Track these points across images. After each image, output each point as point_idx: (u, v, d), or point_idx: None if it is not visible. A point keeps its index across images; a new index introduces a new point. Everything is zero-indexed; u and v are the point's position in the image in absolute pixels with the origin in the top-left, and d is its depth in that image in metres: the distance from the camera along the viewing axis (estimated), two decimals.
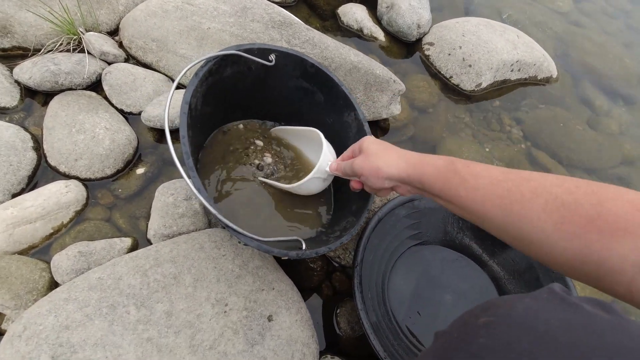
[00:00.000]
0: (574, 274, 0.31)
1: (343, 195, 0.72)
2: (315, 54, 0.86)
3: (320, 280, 0.78)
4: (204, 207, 0.66)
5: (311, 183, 0.62)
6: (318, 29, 1.24)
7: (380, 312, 0.66)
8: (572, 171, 1.21)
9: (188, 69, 0.49)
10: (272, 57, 0.65)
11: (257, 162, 0.73)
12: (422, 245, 0.78)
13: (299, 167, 0.75)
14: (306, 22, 1.25)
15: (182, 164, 0.49)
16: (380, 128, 1.07)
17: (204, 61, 0.56)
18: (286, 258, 0.69)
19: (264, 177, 0.72)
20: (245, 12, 0.90)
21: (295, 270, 0.77)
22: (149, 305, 0.56)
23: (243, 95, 0.69)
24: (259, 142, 0.75)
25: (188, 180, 0.47)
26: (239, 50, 0.59)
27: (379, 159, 0.49)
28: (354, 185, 0.58)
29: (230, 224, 0.50)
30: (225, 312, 0.60)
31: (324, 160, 0.60)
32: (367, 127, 0.69)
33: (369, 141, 0.53)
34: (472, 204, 0.38)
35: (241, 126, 0.76)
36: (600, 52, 1.63)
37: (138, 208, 0.77)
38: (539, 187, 0.33)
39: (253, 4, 0.92)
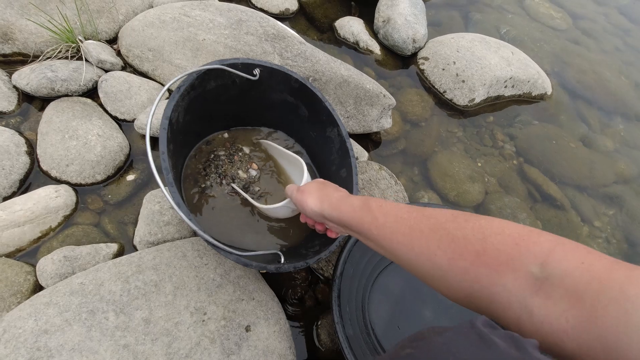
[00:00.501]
0: (475, 308, 0.32)
1: None
2: (306, 68, 0.88)
3: (303, 291, 0.79)
4: None
5: (280, 209, 0.63)
6: (315, 42, 1.27)
7: (358, 325, 0.67)
8: (564, 188, 1.21)
9: (167, 88, 0.51)
10: (257, 71, 0.66)
11: (240, 172, 0.74)
12: None
13: (281, 183, 0.76)
14: (304, 34, 1.28)
15: (164, 183, 0.50)
16: (371, 141, 1.09)
17: (185, 76, 0.57)
18: (264, 272, 0.70)
19: (240, 188, 0.73)
20: (240, 25, 0.92)
21: (278, 280, 0.78)
22: (128, 312, 0.57)
23: (227, 107, 0.71)
24: (246, 149, 0.76)
25: (168, 195, 0.49)
26: (223, 65, 0.61)
27: (308, 196, 0.53)
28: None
29: (208, 238, 0.51)
30: (203, 321, 0.60)
31: None
32: (349, 143, 0.70)
33: (311, 182, 0.58)
34: (383, 241, 0.39)
35: (226, 135, 0.77)
36: (598, 70, 1.64)
37: (127, 214, 0.79)
38: (436, 223, 0.35)
39: (248, 17, 0.94)
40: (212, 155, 0.73)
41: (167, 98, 0.85)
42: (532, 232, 0.30)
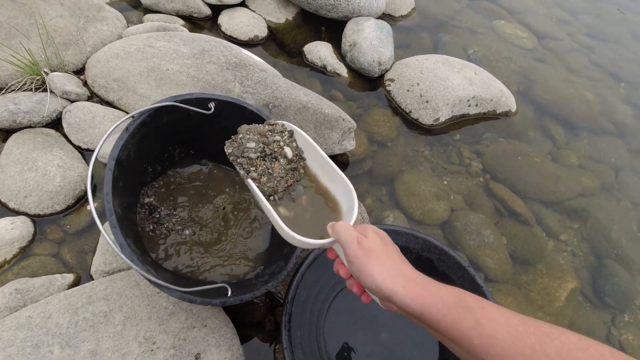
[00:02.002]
0: None
1: (277, 235, 0.75)
2: (266, 95, 0.91)
3: (263, 315, 0.80)
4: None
5: (312, 244, 0.49)
6: (285, 67, 1.30)
7: (310, 350, 0.68)
8: (530, 203, 1.24)
9: (108, 134, 0.53)
10: (212, 105, 0.69)
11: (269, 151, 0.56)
12: None
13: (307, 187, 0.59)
14: (274, 59, 1.32)
15: (112, 226, 0.52)
16: (338, 162, 1.11)
17: (130, 118, 0.59)
18: (209, 306, 0.70)
19: (263, 193, 0.54)
20: (203, 55, 0.95)
21: (237, 305, 0.78)
22: (74, 344, 0.58)
23: (184, 140, 0.73)
24: (288, 150, 0.58)
25: (107, 237, 0.50)
26: (176, 102, 0.63)
27: (376, 264, 0.41)
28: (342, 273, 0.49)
29: (150, 277, 0.51)
30: (152, 350, 0.61)
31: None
32: None
33: (378, 235, 0.45)
34: (488, 356, 0.33)
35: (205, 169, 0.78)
36: (563, 86, 1.70)
37: (87, 243, 0.80)
38: (563, 349, 0.31)
39: (212, 46, 0.97)
40: (169, 188, 0.75)
41: None
42: None
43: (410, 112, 1.24)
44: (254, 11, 1.34)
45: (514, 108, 1.43)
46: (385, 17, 1.62)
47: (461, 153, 1.30)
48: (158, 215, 0.72)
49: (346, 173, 1.13)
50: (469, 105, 1.27)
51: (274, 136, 0.58)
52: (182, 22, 1.22)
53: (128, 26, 1.10)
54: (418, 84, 1.22)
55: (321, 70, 1.31)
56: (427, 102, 1.20)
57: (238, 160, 0.55)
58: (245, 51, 1.03)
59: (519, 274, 1.11)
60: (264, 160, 0.56)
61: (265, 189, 0.54)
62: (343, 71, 1.29)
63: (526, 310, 1.02)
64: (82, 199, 0.82)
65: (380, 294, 0.41)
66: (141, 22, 1.18)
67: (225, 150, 0.55)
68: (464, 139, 1.33)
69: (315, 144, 0.59)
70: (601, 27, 2.31)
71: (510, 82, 1.61)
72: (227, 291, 0.60)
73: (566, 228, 1.26)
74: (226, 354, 0.66)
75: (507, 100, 1.38)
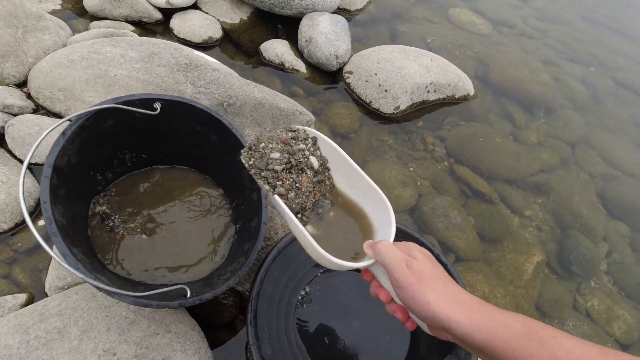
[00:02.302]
0: None
1: (241, 232, 0.74)
2: (220, 94, 0.90)
3: (233, 315, 0.78)
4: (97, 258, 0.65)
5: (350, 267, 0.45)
6: (243, 67, 1.29)
7: (279, 344, 0.67)
8: (493, 183, 1.28)
9: (45, 136, 0.51)
10: (157, 105, 0.67)
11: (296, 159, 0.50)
12: (333, 272, 0.80)
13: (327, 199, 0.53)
14: (231, 60, 1.30)
15: (55, 236, 0.49)
16: None
17: (75, 117, 0.57)
18: (166, 309, 0.68)
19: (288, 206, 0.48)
20: (152, 58, 0.93)
21: (204, 307, 0.77)
22: None
23: (133, 143, 0.71)
24: (314, 160, 0.51)
25: (45, 246, 0.47)
26: (117, 104, 0.61)
27: (430, 289, 0.37)
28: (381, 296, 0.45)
29: (99, 284, 0.49)
30: None
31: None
32: None
33: (424, 255, 0.41)
34: None
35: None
36: (519, 69, 1.76)
37: (41, 260, 0.76)
38: None
39: (161, 49, 0.95)
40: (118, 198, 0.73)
41: None
42: None
43: (371, 102, 1.25)
44: (206, 13, 1.32)
45: (472, 92, 1.46)
46: (341, 11, 1.64)
47: (425, 139, 1.33)
48: (112, 223, 0.70)
49: None
50: (428, 92, 1.30)
51: (298, 144, 0.52)
52: (131, 27, 1.19)
53: (73, 35, 1.07)
54: (376, 74, 1.23)
55: (280, 68, 1.30)
56: (386, 91, 1.22)
57: (262, 173, 0.49)
58: (197, 52, 1.02)
59: (489, 251, 1.14)
60: (289, 172, 0.50)
61: (294, 205, 0.49)
62: (301, 67, 1.29)
63: (497, 286, 1.04)
64: (32, 215, 0.78)
65: (436, 324, 0.37)
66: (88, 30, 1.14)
67: (243, 161, 0.49)
68: (427, 125, 1.36)
69: (342, 152, 0.53)
70: (551, 10, 2.41)
71: (469, 68, 1.65)
72: (186, 292, 0.58)
73: (530, 203, 1.30)
74: (193, 357, 0.64)
75: (464, 84, 1.41)
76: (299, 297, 0.75)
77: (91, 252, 0.64)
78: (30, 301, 0.69)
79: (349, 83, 1.29)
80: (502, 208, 1.23)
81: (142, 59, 0.92)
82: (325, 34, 1.26)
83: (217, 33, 1.29)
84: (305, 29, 1.30)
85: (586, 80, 1.92)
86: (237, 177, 0.75)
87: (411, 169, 1.23)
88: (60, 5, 1.19)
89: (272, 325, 0.68)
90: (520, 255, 1.15)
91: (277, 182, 0.48)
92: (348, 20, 1.53)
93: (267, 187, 0.48)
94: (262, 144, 0.50)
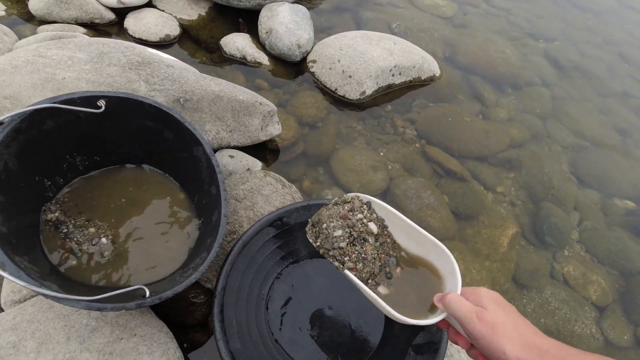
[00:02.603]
0: None
1: (203, 228, 0.72)
2: (175, 90, 0.87)
3: (205, 314, 0.77)
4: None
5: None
6: (205, 63, 1.27)
7: (250, 337, 0.66)
8: (465, 161, 1.28)
9: None
10: (102, 103, 0.64)
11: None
12: (303, 261, 0.79)
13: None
14: (192, 57, 1.27)
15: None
16: (269, 150, 1.09)
17: (8, 118, 0.54)
18: (123, 310, 0.66)
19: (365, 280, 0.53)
20: (101, 58, 0.89)
21: (174, 307, 0.75)
22: None
23: (84, 143, 0.68)
24: (373, 226, 0.56)
25: None
26: (54, 103, 0.59)
27: (506, 340, 0.38)
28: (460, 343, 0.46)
29: (45, 291, 0.47)
30: None
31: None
32: (215, 159, 0.69)
33: (494, 302, 0.42)
34: None
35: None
36: (485, 47, 1.77)
37: None
38: None
39: (111, 48, 0.92)
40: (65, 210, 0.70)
41: None
42: None
43: (336, 89, 1.24)
44: (162, 10, 1.29)
45: (437, 72, 1.47)
46: (302, 1, 1.62)
47: (394, 123, 1.32)
48: (66, 230, 0.67)
49: (279, 159, 1.12)
50: (393, 75, 1.29)
51: (356, 215, 0.56)
52: (83, 30, 1.15)
53: (20, 40, 1.02)
54: (339, 60, 1.22)
55: (242, 62, 1.28)
56: (350, 77, 1.21)
57: (330, 252, 0.53)
58: (150, 49, 0.99)
59: (464, 228, 1.15)
60: (354, 245, 0.54)
61: (364, 275, 0.53)
62: (264, 59, 1.27)
63: (472, 262, 1.05)
64: None
65: None
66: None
67: (310, 240, 0.56)
68: (396, 108, 1.36)
69: (394, 211, 0.57)
70: None
71: (436, 50, 1.66)
72: (145, 293, 0.57)
73: (502, 179, 1.32)
74: (160, 359, 0.62)
75: (429, 65, 1.41)
76: (269, 289, 0.74)
77: (43, 260, 0.61)
78: None
79: (313, 72, 1.28)
80: (475, 185, 1.24)
81: (91, 60, 0.89)
82: (285, 24, 1.24)
83: (175, 30, 1.25)
84: (264, 20, 1.28)
85: (552, 55, 1.95)
86: (195, 172, 0.73)
87: (381, 153, 1.23)
88: (5, 11, 1.14)
89: (242, 318, 0.67)
90: (495, 229, 1.16)
91: (345, 258, 0.53)
92: (310, 9, 1.51)
93: (336, 263, 0.53)
94: (324, 224, 0.55)
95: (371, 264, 0.54)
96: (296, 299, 0.74)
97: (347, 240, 0.54)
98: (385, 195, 1.13)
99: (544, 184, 1.33)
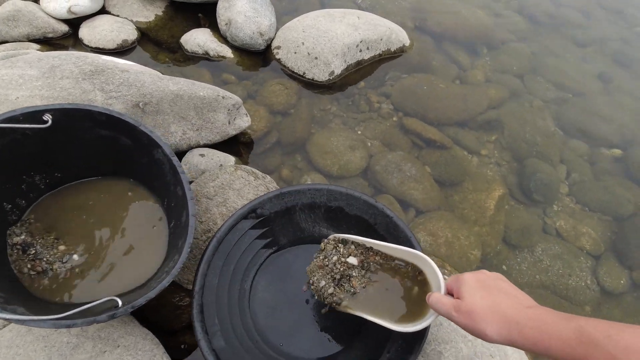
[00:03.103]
0: None
1: (174, 230, 0.71)
2: (132, 94, 0.85)
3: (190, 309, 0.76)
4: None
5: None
6: (168, 64, 1.24)
7: (235, 334, 0.65)
8: (444, 129, 1.26)
9: None
10: (47, 117, 0.62)
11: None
12: (282, 250, 0.78)
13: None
14: (154, 59, 1.24)
15: None
16: (242, 144, 1.07)
17: None
18: (95, 324, 0.65)
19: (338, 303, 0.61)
20: (53, 72, 0.87)
21: (160, 313, 0.74)
22: None
23: (39, 161, 0.66)
24: (352, 259, 0.63)
25: None
26: None
27: (485, 324, 0.40)
28: None
29: (4, 315, 0.46)
30: None
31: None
32: (175, 159, 0.67)
33: (475, 286, 0.44)
34: None
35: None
36: (455, 11, 1.73)
37: None
38: None
39: (62, 60, 0.89)
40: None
41: None
42: None
43: (304, 73, 1.21)
44: (117, 15, 1.25)
45: (407, 42, 1.43)
46: None
47: (369, 99, 1.30)
48: (34, 251, 0.66)
49: (254, 151, 1.10)
50: (360, 51, 1.26)
51: (332, 258, 0.64)
52: (37, 46, 1.11)
53: None
54: (303, 43, 1.19)
55: (205, 58, 1.25)
56: (316, 58, 1.18)
57: (327, 301, 0.62)
58: (104, 57, 0.96)
59: (450, 196, 1.14)
60: (341, 286, 0.62)
61: (362, 301, 0.60)
62: (227, 52, 1.24)
63: (460, 228, 1.04)
64: None
65: (501, 343, 0.40)
66: None
67: (316, 297, 0.64)
68: (369, 84, 1.33)
69: (363, 239, 0.63)
70: None
71: (405, 20, 1.62)
72: (117, 304, 0.56)
73: (484, 142, 1.30)
74: None
75: (397, 36, 1.38)
76: (251, 282, 0.73)
77: (11, 284, 0.60)
78: None
79: (279, 59, 1.25)
80: (458, 151, 1.22)
81: (42, 75, 0.86)
82: (244, 13, 1.21)
83: (132, 35, 1.22)
84: (222, 11, 1.24)
85: (526, 10, 1.90)
86: (159, 175, 0.71)
87: (359, 132, 1.21)
88: None
89: (224, 316, 0.66)
90: (481, 193, 1.15)
91: (339, 298, 0.60)
92: None
93: (338, 307, 0.61)
94: (311, 281, 0.64)
95: (364, 292, 0.61)
96: (281, 289, 0.74)
97: (333, 285, 0.61)
98: (365, 173, 1.11)
99: (527, 142, 1.32)
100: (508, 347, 0.70)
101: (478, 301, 0.42)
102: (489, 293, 0.43)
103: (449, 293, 0.49)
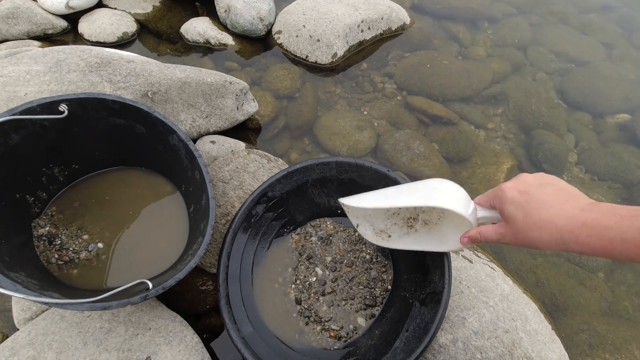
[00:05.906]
0: None
1: (194, 214, 0.72)
2: (140, 84, 0.85)
3: (217, 299, 0.78)
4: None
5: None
6: (169, 55, 1.23)
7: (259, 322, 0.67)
8: (450, 105, 1.26)
9: None
10: (63, 107, 0.63)
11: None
12: (303, 226, 0.79)
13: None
14: (155, 51, 1.24)
15: None
16: (251, 130, 1.07)
17: None
18: (129, 305, 0.67)
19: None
20: (59, 66, 0.87)
21: (185, 299, 0.76)
22: None
23: (58, 152, 0.67)
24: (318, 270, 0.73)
25: None
26: (14, 115, 0.57)
27: (534, 239, 0.39)
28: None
29: (43, 299, 0.47)
30: None
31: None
32: (191, 144, 0.68)
33: (511, 201, 0.42)
34: None
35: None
36: None
37: (7, 299, 0.74)
38: None
39: (67, 54, 0.89)
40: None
41: None
42: None
43: (307, 56, 1.21)
44: (115, 8, 1.24)
45: (407, 20, 1.42)
46: None
47: (373, 80, 1.30)
48: (59, 242, 0.67)
49: (262, 137, 1.10)
50: (362, 31, 1.25)
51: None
52: (38, 43, 1.11)
53: None
54: (304, 26, 1.18)
55: (207, 46, 1.24)
56: (319, 40, 1.17)
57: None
58: (108, 49, 0.96)
59: (459, 172, 1.14)
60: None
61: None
62: (229, 40, 1.23)
63: None
64: None
65: (557, 250, 0.39)
66: None
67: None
68: (371, 65, 1.32)
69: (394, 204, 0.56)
70: None
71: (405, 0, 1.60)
72: (148, 286, 0.57)
73: (491, 116, 1.30)
74: (179, 346, 0.64)
75: (397, 14, 1.37)
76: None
77: (42, 273, 0.61)
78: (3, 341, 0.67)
79: (280, 43, 1.24)
80: (465, 126, 1.22)
81: (49, 70, 0.86)
82: None
83: (132, 27, 1.21)
84: None
85: None
86: (176, 161, 0.72)
87: (365, 112, 1.21)
88: None
89: (251, 301, 0.67)
90: (489, 167, 1.15)
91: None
92: None
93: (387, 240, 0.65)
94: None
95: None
96: (303, 266, 0.75)
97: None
98: (375, 152, 1.12)
99: (533, 113, 1.32)
100: (528, 309, 0.71)
101: (522, 220, 0.40)
102: (534, 207, 0.40)
103: (491, 206, 0.47)
